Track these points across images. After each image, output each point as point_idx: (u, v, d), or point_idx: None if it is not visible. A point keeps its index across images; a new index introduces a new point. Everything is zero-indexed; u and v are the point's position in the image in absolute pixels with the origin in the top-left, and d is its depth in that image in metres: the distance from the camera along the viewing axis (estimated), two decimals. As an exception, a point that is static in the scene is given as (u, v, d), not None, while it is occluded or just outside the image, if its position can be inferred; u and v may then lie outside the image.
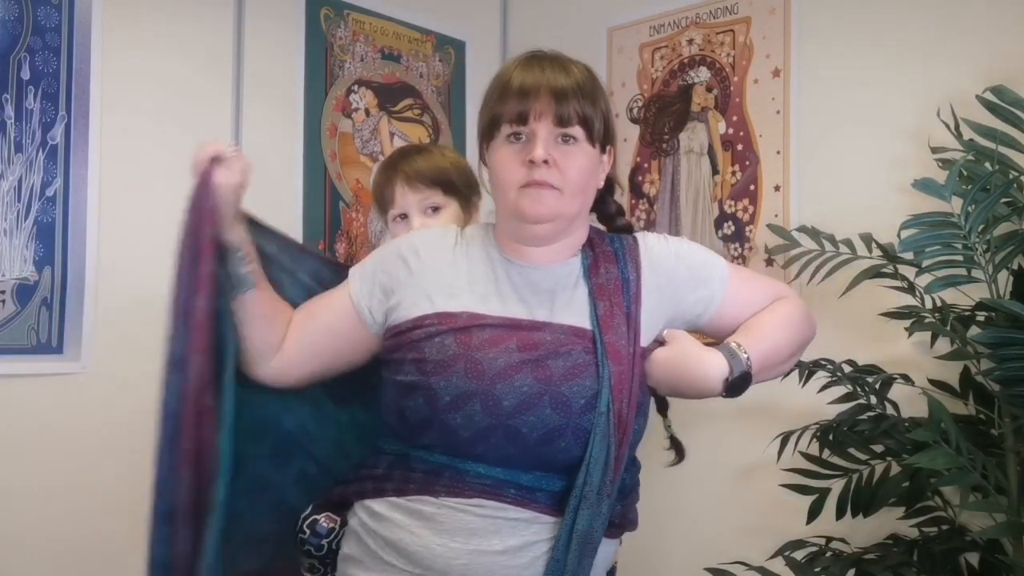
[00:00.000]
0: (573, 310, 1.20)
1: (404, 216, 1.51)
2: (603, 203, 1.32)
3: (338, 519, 1.29)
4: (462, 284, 1.21)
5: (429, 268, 1.23)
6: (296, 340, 1.29)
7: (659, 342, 1.23)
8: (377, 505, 1.20)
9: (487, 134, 1.22)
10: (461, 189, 1.52)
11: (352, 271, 1.31)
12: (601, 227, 1.35)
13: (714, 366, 1.18)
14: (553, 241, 1.22)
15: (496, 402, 1.11)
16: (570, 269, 1.24)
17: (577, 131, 1.17)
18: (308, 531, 1.29)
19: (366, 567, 1.20)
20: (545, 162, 1.15)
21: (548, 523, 1.14)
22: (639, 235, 1.31)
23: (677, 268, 1.27)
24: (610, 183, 1.30)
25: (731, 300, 1.28)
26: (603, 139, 1.21)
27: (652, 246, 1.29)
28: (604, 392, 1.13)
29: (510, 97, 1.17)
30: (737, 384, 1.19)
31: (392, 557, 1.17)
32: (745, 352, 1.20)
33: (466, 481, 1.14)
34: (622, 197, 1.37)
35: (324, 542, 1.28)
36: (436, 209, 1.50)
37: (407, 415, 1.16)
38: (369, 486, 1.22)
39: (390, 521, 1.17)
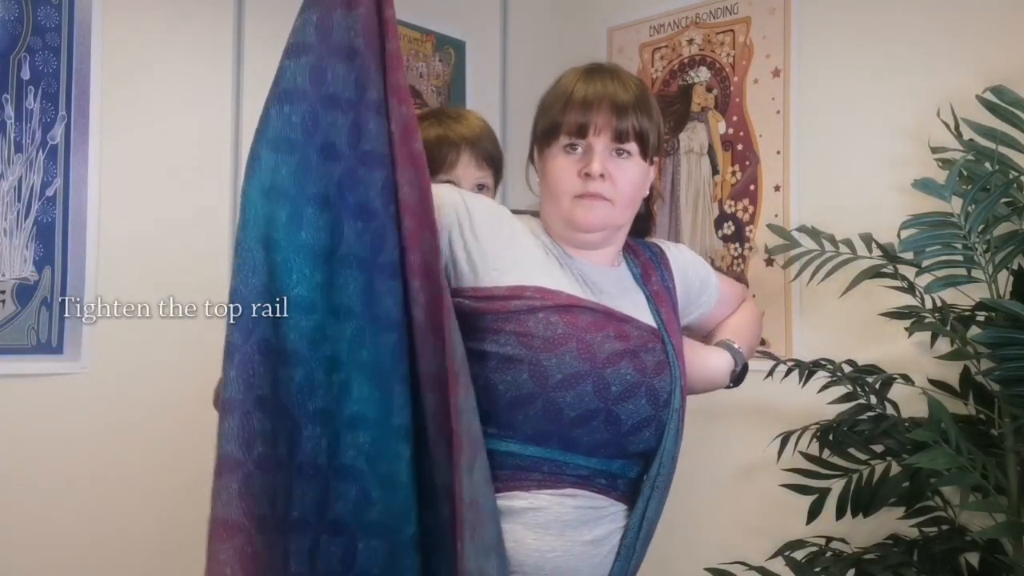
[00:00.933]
0: (639, 312, 1.24)
1: (451, 184, 1.40)
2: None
3: None
4: (544, 264, 1.22)
5: (519, 240, 1.23)
6: None
7: None
8: None
9: (544, 140, 1.25)
10: (501, 174, 1.52)
11: (448, 186, 1.26)
12: None
13: (722, 360, 1.33)
14: (601, 247, 1.26)
15: (606, 386, 1.14)
16: (624, 274, 1.30)
17: (632, 147, 1.21)
18: None
19: None
20: (601, 176, 1.19)
21: (620, 511, 1.19)
22: (662, 245, 1.38)
23: (692, 278, 1.37)
24: (650, 191, 1.34)
25: (718, 304, 1.41)
26: (657, 153, 1.27)
27: (676, 257, 1.37)
28: (676, 390, 1.21)
29: (572, 109, 1.20)
30: (741, 374, 1.34)
31: None
32: (739, 347, 1.35)
33: (564, 472, 1.15)
34: (659, 206, 1.41)
35: None
36: (482, 188, 1.46)
37: (500, 389, 1.13)
38: None
39: None
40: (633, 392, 1.16)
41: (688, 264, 1.38)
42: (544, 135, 1.24)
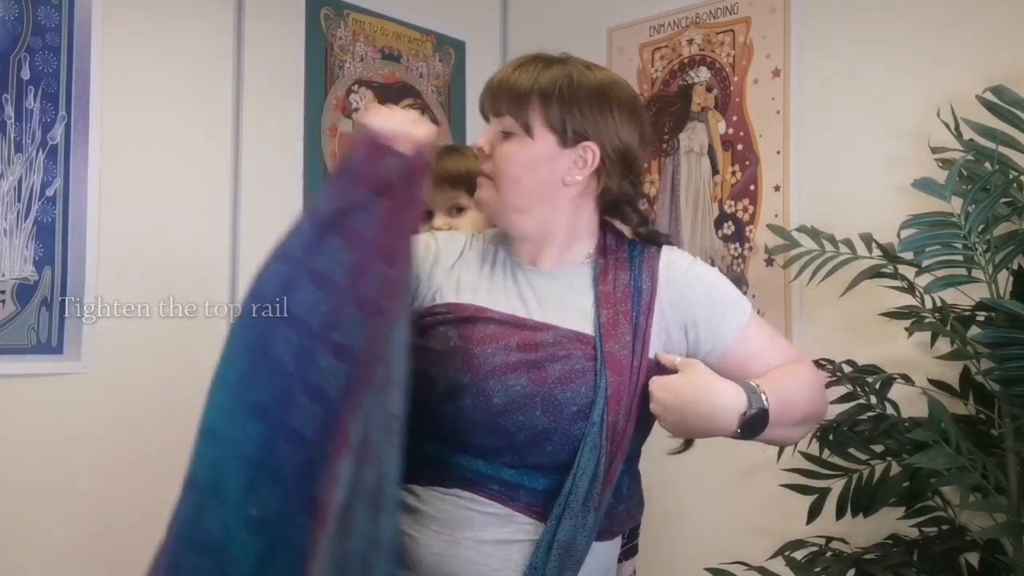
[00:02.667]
0: (578, 315, 1.18)
1: (427, 214, 1.53)
2: (620, 213, 1.26)
3: None
4: (472, 280, 1.23)
5: (464, 264, 1.25)
6: None
7: (671, 369, 1.16)
8: None
9: None
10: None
11: (423, 237, 1.32)
12: (625, 232, 1.29)
13: (731, 396, 1.09)
14: (532, 239, 1.21)
15: (487, 398, 1.11)
16: (577, 274, 1.21)
17: (508, 122, 1.18)
18: None
19: None
20: (482, 150, 1.21)
21: (525, 525, 1.13)
22: (665, 248, 1.24)
23: (695, 289, 1.20)
24: (627, 194, 1.23)
25: (740, 345, 1.19)
26: (564, 133, 1.16)
27: (674, 260, 1.23)
28: (599, 402, 1.11)
29: (482, 95, 1.24)
30: (753, 421, 1.09)
31: None
32: (763, 392, 1.10)
33: (449, 472, 1.15)
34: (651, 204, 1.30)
35: None
36: (460, 210, 1.53)
37: (413, 403, 1.15)
38: None
39: None
40: (523, 404, 1.11)
41: (694, 274, 1.21)
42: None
